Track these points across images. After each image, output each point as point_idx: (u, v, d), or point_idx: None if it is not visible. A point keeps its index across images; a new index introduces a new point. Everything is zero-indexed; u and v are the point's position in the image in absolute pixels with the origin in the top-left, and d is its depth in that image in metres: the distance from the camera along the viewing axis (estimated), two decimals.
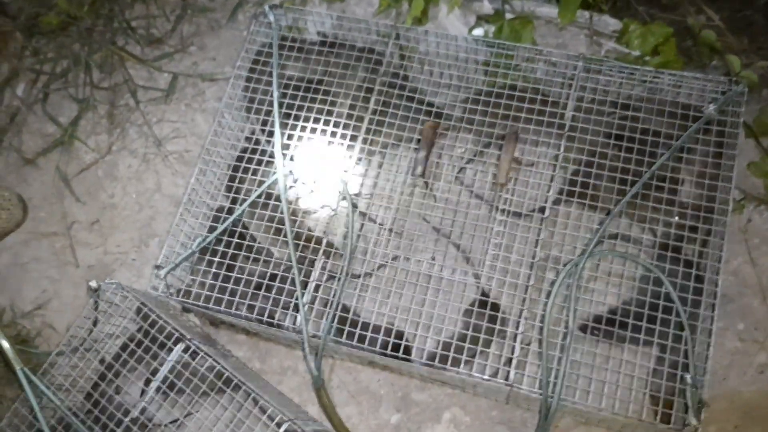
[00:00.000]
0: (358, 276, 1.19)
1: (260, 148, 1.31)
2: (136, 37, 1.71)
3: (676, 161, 1.19)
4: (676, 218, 1.12)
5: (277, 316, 1.14)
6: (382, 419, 1.27)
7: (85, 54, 1.70)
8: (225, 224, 1.20)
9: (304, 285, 1.15)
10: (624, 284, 1.11)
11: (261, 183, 1.24)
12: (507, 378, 1.05)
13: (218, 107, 1.55)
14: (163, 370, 1.17)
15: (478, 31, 1.53)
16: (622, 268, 1.12)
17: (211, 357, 1.15)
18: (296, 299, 1.13)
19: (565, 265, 1.11)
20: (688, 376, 1.00)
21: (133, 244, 1.51)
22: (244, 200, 1.22)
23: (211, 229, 1.23)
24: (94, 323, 1.22)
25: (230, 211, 1.24)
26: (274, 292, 1.16)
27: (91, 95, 1.66)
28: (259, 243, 1.23)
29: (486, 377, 1.05)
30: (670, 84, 1.23)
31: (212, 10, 1.72)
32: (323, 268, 1.19)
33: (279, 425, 1.09)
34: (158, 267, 1.19)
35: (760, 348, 1.22)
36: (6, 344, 1.16)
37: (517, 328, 1.09)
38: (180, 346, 1.18)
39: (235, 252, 1.20)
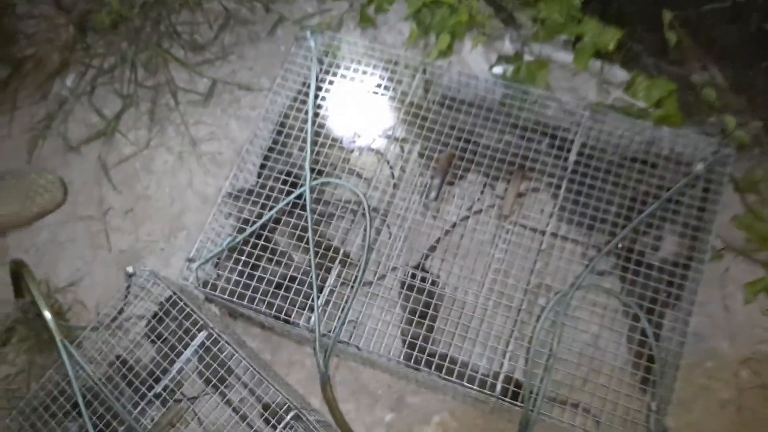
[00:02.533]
0: (370, 283, 1.32)
1: (291, 160, 1.44)
2: (181, 41, 1.84)
3: (664, 210, 1.31)
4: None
5: (293, 315, 1.27)
6: (377, 417, 1.39)
7: (132, 53, 1.83)
8: (253, 227, 1.33)
9: (320, 289, 1.28)
10: (606, 316, 1.24)
11: (289, 193, 1.37)
12: (494, 390, 1.18)
13: (253, 116, 1.69)
14: (187, 353, 1.30)
15: (498, 69, 1.66)
16: (606, 302, 1.25)
17: (230, 345, 1.28)
18: (312, 301, 1.26)
19: (555, 294, 1.23)
20: (653, 404, 1.12)
21: (163, 234, 1.64)
22: (272, 207, 1.35)
23: (240, 231, 1.36)
24: (126, 305, 1.35)
25: (258, 216, 1.37)
26: (292, 292, 1.29)
27: (134, 92, 1.79)
28: (281, 247, 1.36)
29: (476, 388, 1.18)
30: (667, 137, 1.35)
31: (253, 23, 1.85)
32: (338, 275, 1.32)
33: (287, 412, 1.22)
34: (190, 260, 1.32)
35: (724, 385, 1.34)
36: (49, 315, 1.29)
37: (507, 346, 1.22)
38: (203, 333, 1.31)
39: (260, 253, 1.33)
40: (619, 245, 1.26)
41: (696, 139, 1.33)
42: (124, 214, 1.68)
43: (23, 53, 1.88)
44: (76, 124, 1.79)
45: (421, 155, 1.40)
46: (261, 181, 1.41)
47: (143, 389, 1.29)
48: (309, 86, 1.47)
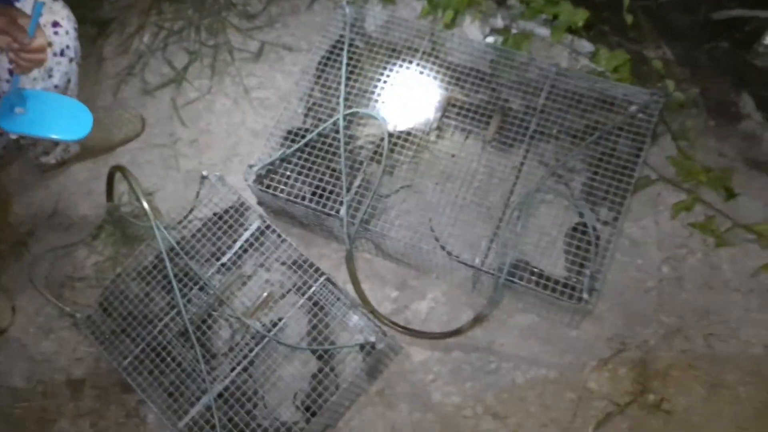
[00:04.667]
0: (388, 196, 1.75)
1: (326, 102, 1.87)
2: (236, 11, 2.28)
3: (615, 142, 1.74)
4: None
5: (328, 208, 1.70)
6: (385, 294, 1.83)
7: (197, 18, 2.27)
8: (299, 144, 1.76)
9: (348, 189, 1.71)
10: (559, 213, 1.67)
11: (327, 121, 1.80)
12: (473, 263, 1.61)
13: (295, 71, 2.12)
14: (245, 235, 1.74)
15: (490, 39, 2.09)
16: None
17: (276, 231, 1.72)
18: (342, 198, 1.70)
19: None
20: (588, 272, 1.55)
21: (221, 159, 2.08)
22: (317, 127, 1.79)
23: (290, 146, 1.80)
24: (198, 202, 1.79)
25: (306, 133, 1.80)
26: (327, 192, 1.72)
27: (199, 49, 2.23)
28: (320, 159, 1.79)
29: (458, 259, 1.61)
30: (614, 89, 1.78)
31: None
32: (359, 185, 1.75)
33: (320, 276, 1.65)
34: (251, 166, 1.76)
35: (650, 276, 1.77)
36: (146, 205, 1.72)
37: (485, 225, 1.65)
38: (257, 222, 1.74)
39: (304, 163, 1.76)
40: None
41: (635, 90, 1.76)
42: (190, 144, 2.11)
43: (108, 16, 2.33)
44: (151, 73, 2.23)
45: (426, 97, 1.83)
46: (305, 115, 1.84)
47: (212, 259, 1.72)
48: (344, 44, 1.90)
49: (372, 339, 1.56)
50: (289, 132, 1.84)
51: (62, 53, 1.66)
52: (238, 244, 1.74)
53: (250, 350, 1.63)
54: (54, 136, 1.49)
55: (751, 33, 2.26)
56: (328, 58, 1.93)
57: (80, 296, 1.95)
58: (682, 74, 2.15)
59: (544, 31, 2.11)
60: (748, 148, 1.97)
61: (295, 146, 1.78)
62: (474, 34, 2.11)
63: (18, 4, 1.36)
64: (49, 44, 1.59)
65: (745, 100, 2.09)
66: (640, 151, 1.70)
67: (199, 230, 1.79)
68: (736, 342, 1.69)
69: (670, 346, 1.70)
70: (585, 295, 1.52)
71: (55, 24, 1.64)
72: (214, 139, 2.11)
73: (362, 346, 1.58)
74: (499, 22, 2.12)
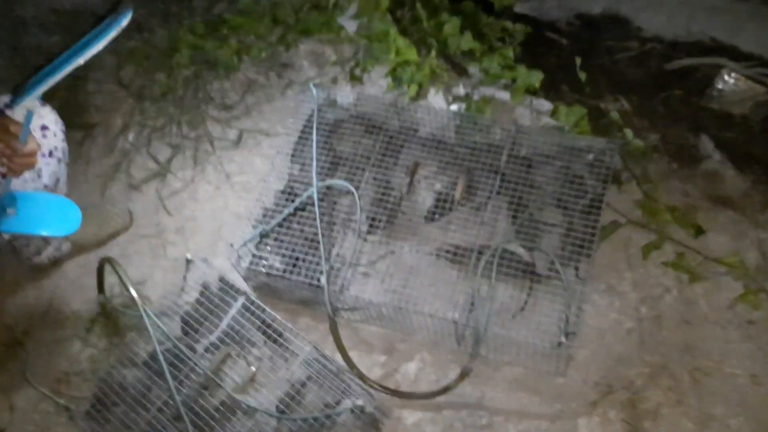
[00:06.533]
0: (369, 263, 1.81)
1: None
2: (215, 104, 2.41)
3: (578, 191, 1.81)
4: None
5: (309, 278, 1.76)
6: (373, 360, 1.85)
7: (178, 114, 2.40)
8: (277, 219, 1.84)
9: (327, 259, 1.77)
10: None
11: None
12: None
13: (272, 153, 2.23)
14: (231, 312, 1.79)
15: (454, 107, 2.21)
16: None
17: (262, 306, 1.77)
18: (322, 268, 1.76)
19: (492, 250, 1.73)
20: (563, 320, 1.59)
21: (207, 244, 2.14)
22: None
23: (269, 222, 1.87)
24: (185, 284, 1.85)
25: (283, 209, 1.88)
26: (307, 263, 1.78)
27: (181, 143, 2.34)
28: (299, 232, 1.86)
29: (440, 316, 1.65)
30: (572, 142, 1.88)
31: (269, 87, 2.42)
32: (337, 254, 1.82)
33: (307, 346, 1.69)
34: (232, 245, 1.83)
35: (629, 318, 1.80)
36: (135, 294, 1.77)
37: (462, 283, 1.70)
38: (242, 299, 1.80)
39: (284, 237, 1.83)
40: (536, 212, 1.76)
41: (592, 141, 1.85)
42: (177, 232, 2.19)
43: (93, 120, 2.46)
44: (137, 169, 2.33)
45: (395, 165, 1.92)
46: (282, 192, 1.93)
47: (201, 340, 1.77)
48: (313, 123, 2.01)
49: (360, 402, 1.58)
50: (268, 210, 1.92)
51: (51, 154, 1.76)
52: (225, 322, 1.79)
53: (242, 426, 1.65)
54: (44, 233, 1.57)
55: (703, 79, 2.38)
56: (302, 138, 2.04)
57: (76, 390, 1.97)
58: (641, 123, 2.25)
59: (504, 95, 2.22)
60: (710, 186, 2.04)
61: (273, 222, 1.85)
62: (439, 103, 2.23)
63: (9, 112, 1.46)
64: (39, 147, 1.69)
65: (704, 141, 2.19)
66: (602, 197, 1.77)
67: (187, 313, 1.84)
68: (721, 375, 1.71)
69: (656, 384, 1.72)
70: (562, 339, 1.56)
71: (44, 127, 1.74)
72: (200, 225, 2.18)
73: (351, 411, 1.61)
74: (462, 91, 2.24)
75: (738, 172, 2.07)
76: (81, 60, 1.25)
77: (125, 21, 1.25)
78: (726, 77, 2.31)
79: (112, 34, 1.24)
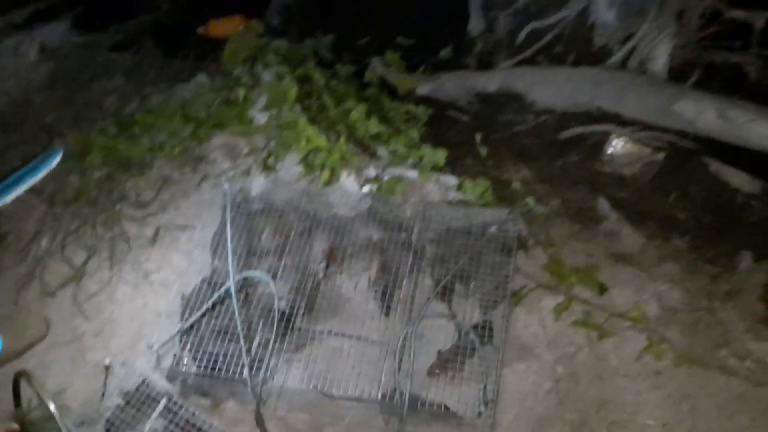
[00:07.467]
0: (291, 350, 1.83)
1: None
2: (129, 202, 2.42)
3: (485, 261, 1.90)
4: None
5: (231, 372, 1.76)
6: None
7: (93, 215, 2.39)
8: (196, 316, 1.85)
9: (248, 350, 1.78)
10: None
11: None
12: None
13: (189, 248, 2.24)
14: (155, 414, 1.76)
15: (366, 189, 2.29)
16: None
17: (184, 405, 1.75)
18: (243, 360, 1.76)
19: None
20: (481, 389, 1.64)
21: (128, 345, 2.11)
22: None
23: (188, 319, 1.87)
24: (106, 390, 1.81)
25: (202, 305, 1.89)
26: (228, 356, 1.79)
27: (97, 244, 2.33)
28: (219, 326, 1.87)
29: (363, 397, 1.68)
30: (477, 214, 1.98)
31: (184, 182, 2.45)
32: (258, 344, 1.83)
33: None
34: (150, 346, 1.82)
35: (546, 379, 1.87)
36: (53, 406, 1.72)
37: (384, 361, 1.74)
38: (164, 401, 1.78)
39: (203, 333, 1.84)
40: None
41: (494, 212, 1.96)
42: (95, 336, 2.15)
43: (4, 229, 2.42)
44: (51, 275, 2.29)
45: (311, 250, 1.97)
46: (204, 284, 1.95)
47: None
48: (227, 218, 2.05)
49: None
50: (189, 304, 1.93)
51: None
52: (149, 425, 1.76)
53: None
54: None
55: (594, 145, 2.57)
56: (219, 231, 2.07)
57: None
58: (542, 189, 2.40)
59: (413, 174, 2.33)
60: (610, 245, 2.18)
61: (191, 320, 1.86)
62: (351, 186, 2.31)
63: None
64: None
65: (601, 203, 2.34)
66: (509, 264, 1.86)
67: (109, 420, 1.80)
68: (635, 426, 1.78)
69: None
70: (481, 408, 1.60)
71: None
72: (119, 327, 2.15)
73: None
74: (372, 172, 2.33)
75: (633, 229, 2.22)
76: (8, 199, 1.24)
77: (55, 162, 1.25)
78: (615, 142, 2.50)
79: (42, 173, 1.24)
